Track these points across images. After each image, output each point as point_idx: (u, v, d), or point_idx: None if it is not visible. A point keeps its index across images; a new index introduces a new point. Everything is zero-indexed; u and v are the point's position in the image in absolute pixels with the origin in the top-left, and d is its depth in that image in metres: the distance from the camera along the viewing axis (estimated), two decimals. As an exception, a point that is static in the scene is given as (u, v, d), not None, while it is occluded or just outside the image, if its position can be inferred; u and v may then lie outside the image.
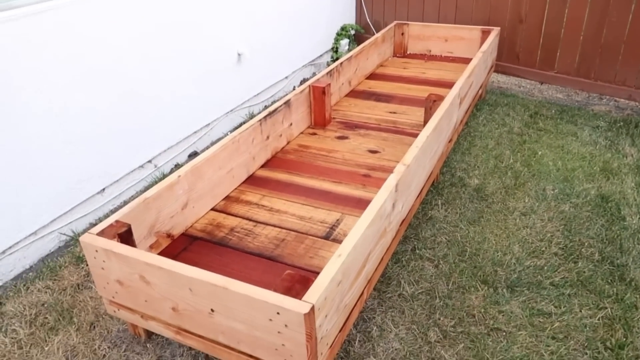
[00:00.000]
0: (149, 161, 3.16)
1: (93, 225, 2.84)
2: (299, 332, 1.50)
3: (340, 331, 1.79)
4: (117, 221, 1.93)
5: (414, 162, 2.27)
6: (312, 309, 1.48)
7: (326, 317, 1.61)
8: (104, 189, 2.88)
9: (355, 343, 2.08)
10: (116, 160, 2.91)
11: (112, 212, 2.93)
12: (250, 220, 2.41)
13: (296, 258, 2.14)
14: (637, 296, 2.27)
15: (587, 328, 2.13)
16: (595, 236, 2.66)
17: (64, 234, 2.68)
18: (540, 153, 3.50)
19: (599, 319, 2.17)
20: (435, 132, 2.57)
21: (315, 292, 1.52)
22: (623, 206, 2.90)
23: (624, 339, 2.06)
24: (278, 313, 1.50)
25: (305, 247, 2.20)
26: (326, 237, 2.26)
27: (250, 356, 1.70)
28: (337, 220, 2.37)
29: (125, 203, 3.02)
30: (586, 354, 2.01)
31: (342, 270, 1.67)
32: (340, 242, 2.22)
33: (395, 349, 2.05)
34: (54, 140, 2.53)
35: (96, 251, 1.82)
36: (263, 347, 1.63)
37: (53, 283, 2.42)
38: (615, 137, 3.71)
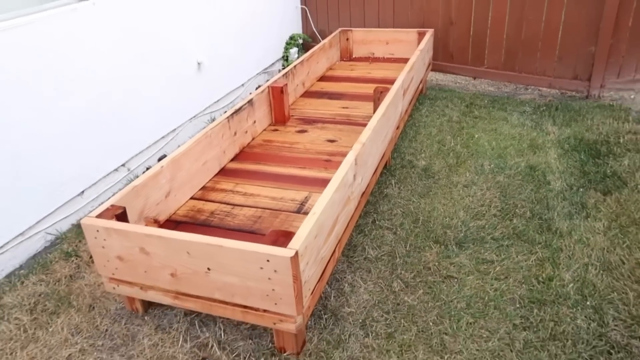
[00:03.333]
0: (123, 165, 3.36)
1: (76, 225, 3.01)
2: (286, 275, 1.79)
3: (318, 281, 2.10)
4: (112, 205, 2.16)
5: (368, 141, 2.63)
6: (297, 253, 1.78)
7: (307, 264, 1.91)
8: (83, 192, 3.06)
9: (331, 298, 2.38)
10: (93, 164, 3.10)
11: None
12: (227, 204, 2.68)
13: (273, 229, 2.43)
14: (562, 241, 2.71)
15: (523, 269, 2.53)
16: (526, 199, 3.10)
17: (50, 234, 2.85)
18: (477, 136, 3.96)
19: (532, 261, 2.57)
20: (384, 117, 2.94)
21: (297, 241, 1.83)
22: (548, 173, 3.37)
23: (552, 273, 2.48)
24: (268, 260, 1.79)
25: (280, 220, 2.50)
26: (298, 212, 2.57)
27: (244, 307, 1.97)
28: (306, 197, 2.69)
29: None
30: (523, 287, 2.40)
31: (317, 225, 1.98)
32: (310, 214, 2.53)
33: (365, 300, 2.37)
34: (36, 146, 2.71)
35: (97, 231, 2.05)
36: (255, 296, 1.90)
37: (46, 276, 2.59)
38: (539, 119, 4.24)
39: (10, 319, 2.33)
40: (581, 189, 3.16)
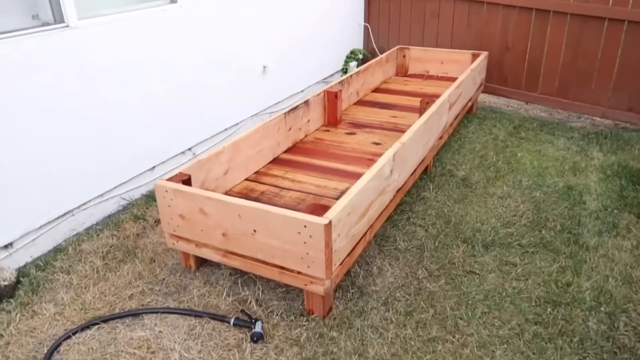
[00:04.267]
0: (189, 149, 3.79)
1: (145, 195, 3.44)
2: (319, 241, 2.08)
3: (347, 255, 2.37)
4: (180, 172, 2.54)
5: (408, 142, 2.89)
6: (330, 222, 2.06)
7: (339, 235, 2.19)
8: (154, 167, 3.50)
9: (359, 277, 2.64)
10: (165, 145, 3.54)
11: (160, 187, 3.54)
12: (276, 187, 3.01)
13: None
14: (587, 254, 2.83)
15: (544, 273, 2.68)
16: (559, 214, 3.24)
17: (124, 199, 3.29)
18: (519, 155, 4.10)
19: (554, 268, 2.72)
20: (426, 124, 3.19)
21: (331, 213, 2.12)
22: (585, 194, 3.48)
23: (571, 280, 2.62)
24: (305, 226, 2.09)
25: (321, 204, 2.79)
26: (337, 198, 2.86)
27: (282, 267, 2.27)
28: (347, 187, 2.97)
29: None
30: (541, 289, 2.56)
31: (351, 205, 2.26)
32: (349, 201, 2.81)
33: (390, 282, 2.61)
34: (121, 123, 3.17)
35: (166, 191, 2.42)
36: (292, 258, 2.20)
37: (118, 232, 3.01)
38: (586, 145, 4.32)
39: (86, 261, 2.75)
40: (615, 211, 3.25)
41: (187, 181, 2.51)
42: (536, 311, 2.41)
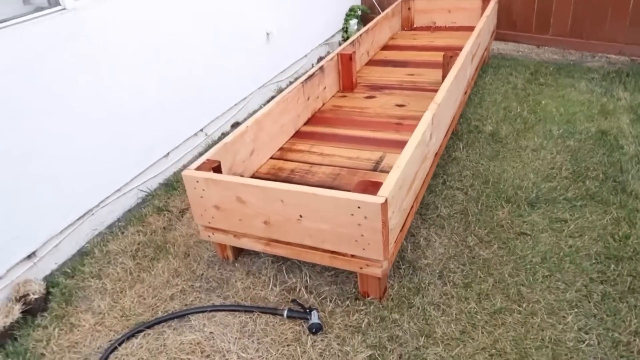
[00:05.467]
0: (201, 130, 3.58)
1: (162, 184, 3.25)
2: (376, 221, 1.92)
3: (400, 231, 2.22)
4: (208, 160, 2.35)
5: (443, 102, 2.69)
6: (386, 200, 1.90)
7: (393, 212, 2.03)
8: (168, 154, 3.29)
9: (407, 251, 2.50)
10: (176, 129, 3.32)
11: (176, 174, 3.34)
12: (306, 163, 2.83)
13: (353, 185, 2.56)
14: (638, 202, 2.70)
15: (598, 227, 2.56)
16: (599, 162, 3.09)
17: (142, 190, 3.10)
18: (544, 102, 3.92)
19: (607, 221, 2.59)
20: (456, 80, 2.99)
21: (385, 190, 1.95)
22: (620, 138, 3.33)
23: (629, 232, 2.49)
24: (359, 207, 1.92)
25: (358, 177, 2.63)
26: (374, 170, 2.68)
27: (333, 252, 2.12)
28: (380, 157, 2.80)
29: (185, 166, 3.42)
30: (599, 244, 2.44)
31: (402, 177, 2.09)
32: (387, 172, 2.63)
33: (441, 253, 2.48)
34: (131, 111, 2.94)
35: (197, 182, 2.24)
36: (345, 241, 2.04)
37: (143, 228, 2.84)
38: (609, 85, 4.14)
39: (116, 263, 2.58)
40: (657, 153, 3.12)
41: (217, 168, 2.32)
42: (599, 269, 2.30)
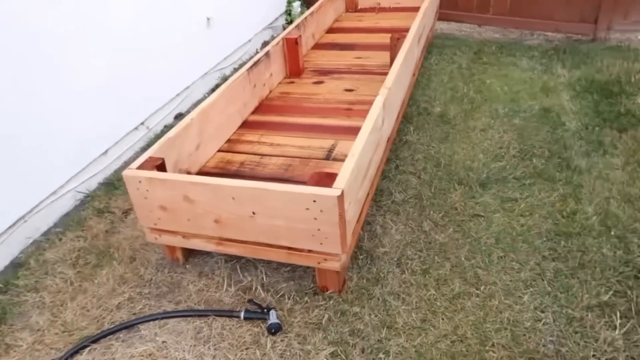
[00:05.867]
0: (142, 123, 3.37)
1: (102, 184, 3.04)
2: (332, 214, 1.85)
3: (357, 222, 2.16)
4: (150, 157, 2.19)
5: (394, 86, 2.64)
6: (342, 192, 1.83)
7: (350, 203, 1.97)
8: (106, 150, 3.08)
9: (364, 240, 2.46)
10: (115, 123, 3.11)
11: (117, 171, 3.13)
12: (255, 154, 2.71)
13: (306, 177, 2.47)
14: (582, 177, 2.78)
15: (547, 205, 2.61)
16: (544, 139, 3.16)
17: (80, 192, 2.88)
18: (488, 82, 3.97)
19: (554, 198, 2.65)
20: (404, 63, 2.95)
21: (341, 181, 1.88)
22: (562, 115, 3.42)
23: (576, 207, 2.56)
24: (314, 201, 1.85)
25: (311, 167, 2.54)
26: (327, 158, 2.61)
27: (289, 248, 2.04)
28: (333, 145, 2.72)
29: (126, 163, 3.23)
30: (548, 222, 2.49)
31: (357, 166, 2.02)
32: (340, 160, 2.57)
33: (398, 240, 2.45)
34: (61, 107, 2.71)
35: (139, 182, 2.08)
36: (301, 236, 1.97)
37: (83, 232, 2.64)
38: (549, 62, 4.25)
39: (55, 273, 2.39)
40: (597, 128, 3.22)
41: (161, 166, 2.17)
42: (550, 246, 2.35)
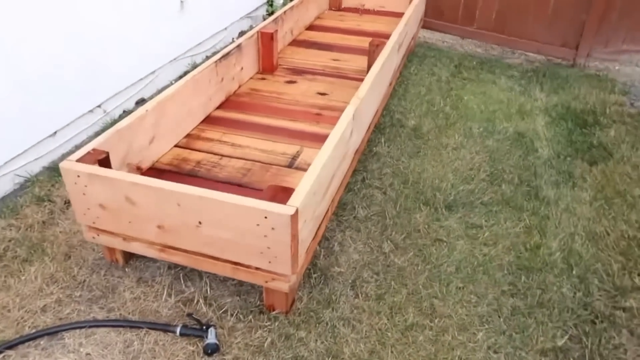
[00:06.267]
0: (98, 106, 3.14)
1: (47, 168, 2.82)
2: (285, 233, 1.71)
3: (312, 239, 2.02)
4: (94, 149, 1.99)
5: (367, 96, 2.51)
6: (297, 211, 1.69)
7: (305, 222, 1.83)
8: (55, 132, 2.85)
9: (320, 257, 2.33)
10: (67, 104, 2.88)
11: (65, 155, 2.91)
12: (214, 154, 2.54)
13: (264, 184, 2.32)
14: (549, 209, 2.71)
15: (511, 235, 2.53)
16: (515, 164, 3.09)
17: (20, 176, 2.65)
18: (466, 98, 3.89)
19: (520, 228, 2.57)
20: (380, 72, 2.82)
21: (297, 198, 1.73)
22: (536, 140, 3.36)
23: (540, 241, 2.49)
24: (265, 217, 1.70)
25: (271, 174, 2.39)
26: (289, 166, 2.46)
27: (235, 263, 1.89)
28: (297, 151, 2.58)
29: (77, 147, 3.01)
30: (511, 254, 2.41)
31: (317, 182, 1.88)
32: (302, 169, 2.43)
33: (355, 260, 2.33)
34: (4, 80, 2.47)
35: (78, 176, 1.89)
36: (249, 253, 1.82)
37: (17, 221, 2.42)
38: (527, 84, 4.20)
39: (-23, 264, 2.18)
40: (568, 158, 3.16)
41: (105, 160, 1.98)
42: (510, 280, 2.26)
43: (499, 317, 2.08)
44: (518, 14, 4.67)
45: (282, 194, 1.77)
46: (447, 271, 2.29)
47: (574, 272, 2.32)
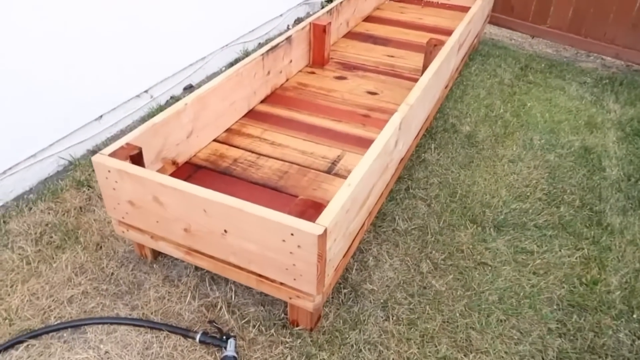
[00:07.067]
0: (146, 91, 3.13)
1: (91, 151, 2.84)
2: (311, 253, 1.60)
3: (343, 257, 1.90)
4: (127, 144, 1.95)
5: (417, 102, 2.33)
6: (325, 231, 1.57)
7: (335, 240, 1.71)
8: (101, 116, 2.86)
9: (352, 271, 2.20)
10: (114, 89, 2.88)
11: (110, 140, 2.93)
12: (252, 152, 2.46)
13: (300, 189, 2.22)
14: (612, 239, 2.45)
15: (566, 265, 2.30)
16: (577, 184, 2.82)
17: (63, 158, 2.68)
18: (529, 105, 3.60)
19: (576, 258, 2.34)
20: (435, 75, 2.62)
21: (327, 217, 1.61)
22: (604, 158, 3.05)
23: (598, 276, 2.25)
24: (292, 234, 1.59)
25: (308, 179, 2.28)
26: (328, 172, 2.34)
27: (260, 275, 1.80)
28: (338, 156, 2.45)
29: (122, 132, 3.02)
30: (563, 287, 2.19)
31: (351, 198, 1.75)
32: (342, 177, 2.30)
33: (390, 278, 2.19)
34: (53, 63, 2.48)
35: (109, 171, 1.85)
36: (273, 267, 1.72)
37: (55, 205, 2.45)
38: (601, 93, 3.84)
39: (14, 247, 2.21)
40: (640, 182, 2.86)
41: (137, 156, 1.93)
42: (560, 317, 2.05)
43: (543, 359, 1.89)
44: (598, 13, 4.27)
45: (312, 209, 1.65)
46: (488, 300, 2.11)
47: (634, 315, 2.08)
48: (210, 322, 1.91)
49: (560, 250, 2.38)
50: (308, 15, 4.83)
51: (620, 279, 2.24)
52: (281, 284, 1.77)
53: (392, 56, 3.47)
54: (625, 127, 3.39)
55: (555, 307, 2.10)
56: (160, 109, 3.23)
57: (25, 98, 2.40)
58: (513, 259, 2.32)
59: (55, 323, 1.89)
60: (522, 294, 2.15)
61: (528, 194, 2.73)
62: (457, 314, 2.04)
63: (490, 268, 2.27)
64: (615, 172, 2.94)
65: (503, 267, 2.27)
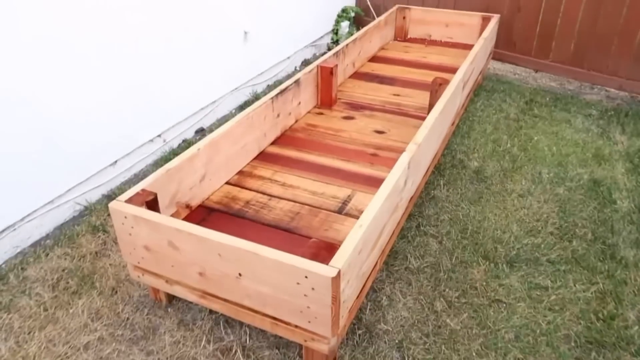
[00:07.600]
0: (159, 135, 3.22)
1: (106, 196, 2.90)
2: (325, 295, 1.61)
3: (357, 297, 1.91)
4: (143, 190, 2.00)
5: (425, 141, 2.38)
6: (339, 273, 1.58)
7: (348, 282, 1.72)
8: (116, 161, 2.93)
9: (366, 311, 2.20)
10: (128, 133, 2.96)
11: (124, 184, 2.99)
12: (264, 194, 2.50)
13: (312, 230, 2.24)
14: (627, 273, 2.43)
15: (581, 301, 2.28)
16: (588, 217, 2.81)
17: (79, 204, 2.74)
18: (536, 138, 3.64)
19: (591, 293, 2.32)
20: (442, 114, 2.67)
21: (340, 258, 1.63)
22: (614, 190, 3.06)
23: (615, 311, 2.22)
24: (306, 277, 1.61)
25: (319, 220, 2.31)
26: (339, 212, 2.37)
27: (274, 318, 1.81)
28: (349, 196, 2.48)
29: (136, 176, 3.08)
30: (580, 324, 2.16)
31: (363, 239, 1.77)
32: (353, 216, 2.33)
33: (404, 317, 2.18)
34: (69, 111, 2.58)
35: (125, 217, 1.90)
36: (288, 310, 1.73)
37: (72, 250, 2.49)
38: (607, 125, 3.87)
39: (32, 293, 2.24)
40: (652, 214, 2.85)
41: (153, 201, 1.98)
42: (578, 355, 2.02)
43: (563, 399, 1.86)
44: (599, 46, 4.35)
45: (325, 251, 1.67)
46: (505, 338, 2.09)
47: (654, 351, 2.04)
48: (225, 366, 1.91)
49: (575, 285, 2.36)
50: (315, 56, 4.96)
51: (638, 314, 2.21)
52: (296, 326, 1.77)
53: (398, 95, 3.55)
54: (633, 158, 3.40)
55: (573, 344, 2.07)
56: (173, 152, 3.31)
57: (45, 145, 2.48)
58: (527, 295, 2.30)
59: (72, 370, 1.89)
60: (538, 331, 2.13)
61: (539, 228, 2.73)
62: (474, 354, 2.02)
63: (505, 305, 2.26)
64: (626, 204, 2.93)
65: (518, 304, 2.26)
